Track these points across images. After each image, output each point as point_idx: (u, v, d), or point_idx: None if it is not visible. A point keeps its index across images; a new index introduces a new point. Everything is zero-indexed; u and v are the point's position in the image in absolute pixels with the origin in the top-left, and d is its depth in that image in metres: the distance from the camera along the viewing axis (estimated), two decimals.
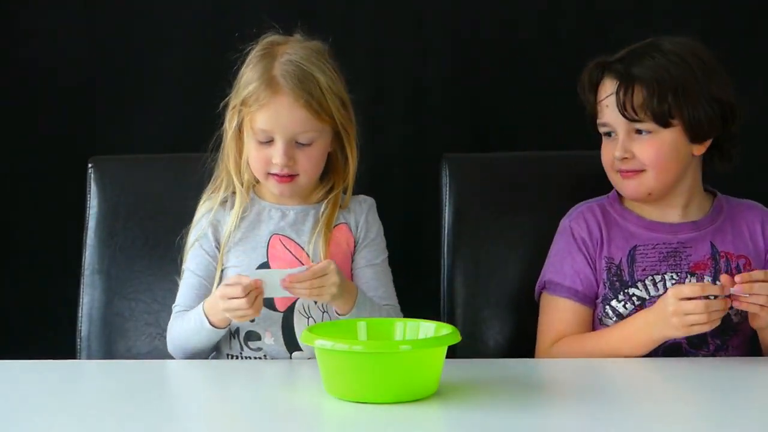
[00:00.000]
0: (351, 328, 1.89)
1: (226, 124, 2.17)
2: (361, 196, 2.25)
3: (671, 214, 2.22)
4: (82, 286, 2.41)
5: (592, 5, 2.89)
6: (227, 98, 2.19)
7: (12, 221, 2.95)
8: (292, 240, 2.17)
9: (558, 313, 2.22)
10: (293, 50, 2.13)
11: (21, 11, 2.92)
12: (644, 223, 2.22)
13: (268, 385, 1.94)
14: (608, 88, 2.17)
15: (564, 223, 2.26)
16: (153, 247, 2.34)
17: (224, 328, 2.09)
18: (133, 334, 2.33)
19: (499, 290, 2.37)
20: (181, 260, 2.22)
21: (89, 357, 2.38)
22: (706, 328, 2.01)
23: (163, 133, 2.86)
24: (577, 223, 2.24)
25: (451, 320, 2.36)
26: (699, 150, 2.18)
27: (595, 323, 2.22)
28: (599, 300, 2.20)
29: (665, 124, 2.13)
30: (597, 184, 2.27)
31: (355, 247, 2.20)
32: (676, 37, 2.19)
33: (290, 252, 2.16)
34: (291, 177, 2.12)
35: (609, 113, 2.18)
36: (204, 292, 2.15)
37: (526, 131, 2.85)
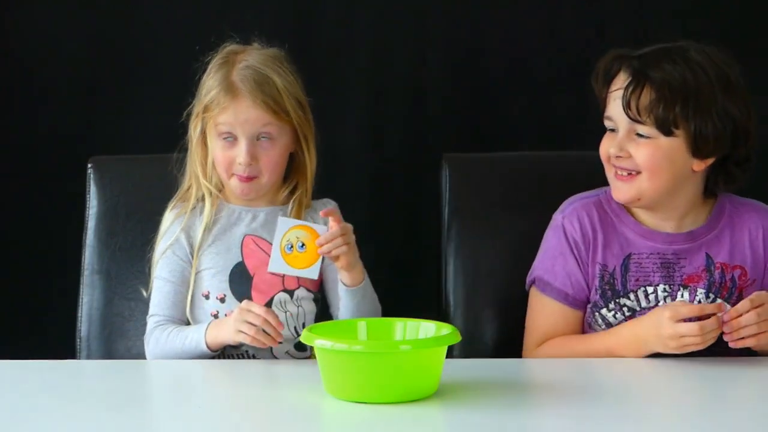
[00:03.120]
0: (351, 328, 1.89)
1: (191, 132, 2.25)
2: (325, 199, 2.30)
3: (667, 224, 2.16)
4: (81, 286, 2.41)
5: (592, 5, 2.89)
6: (190, 107, 2.25)
7: (12, 221, 2.95)
8: (265, 240, 2.22)
9: (546, 313, 2.19)
10: (251, 57, 2.22)
11: (21, 11, 2.92)
12: (641, 230, 2.16)
13: (268, 385, 1.94)
14: (619, 82, 2.11)
15: (557, 219, 2.21)
16: (153, 247, 2.33)
17: (217, 351, 2.14)
18: (133, 334, 2.33)
19: (499, 290, 2.36)
20: (149, 271, 2.26)
21: (89, 357, 2.38)
22: (701, 347, 1.99)
23: (163, 133, 2.85)
24: (570, 222, 2.19)
25: (451, 320, 2.36)
26: (699, 166, 2.10)
27: (584, 327, 2.20)
28: (590, 305, 2.18)
29: (667, 132, 2.07)
30: (596, 184, 2.27)
31: None
32: (706, 46, 2.11)
33: (264, 251, 2.20)
34: (251, 178, 2.20)
35: (614, 108, 2.11)
36: (180, 299, 2.20)
37: (525, 131, 2.85)
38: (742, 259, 2.14)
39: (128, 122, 2.89)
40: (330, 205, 2.28)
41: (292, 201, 2.25)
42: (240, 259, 2.21)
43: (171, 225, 2.24)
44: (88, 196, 2.44)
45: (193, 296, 2.20)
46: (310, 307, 2.21)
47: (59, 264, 2.78)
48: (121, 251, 2.40)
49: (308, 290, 2.21)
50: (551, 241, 2.22)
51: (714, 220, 2.17)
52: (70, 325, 2.42)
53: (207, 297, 2.19)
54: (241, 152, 2.17)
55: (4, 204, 2.94)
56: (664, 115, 2.05)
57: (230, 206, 2.25)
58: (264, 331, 2.03)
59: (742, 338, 1.99)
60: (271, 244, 2.17)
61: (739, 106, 2.07)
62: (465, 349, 2.27)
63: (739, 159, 2.12)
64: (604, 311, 2.15)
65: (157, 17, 2.92)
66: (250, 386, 1.93)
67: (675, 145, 2.07)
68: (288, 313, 2.19)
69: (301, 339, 1.80)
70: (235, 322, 2.04)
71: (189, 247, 2.22)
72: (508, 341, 2.33)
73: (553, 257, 2.20)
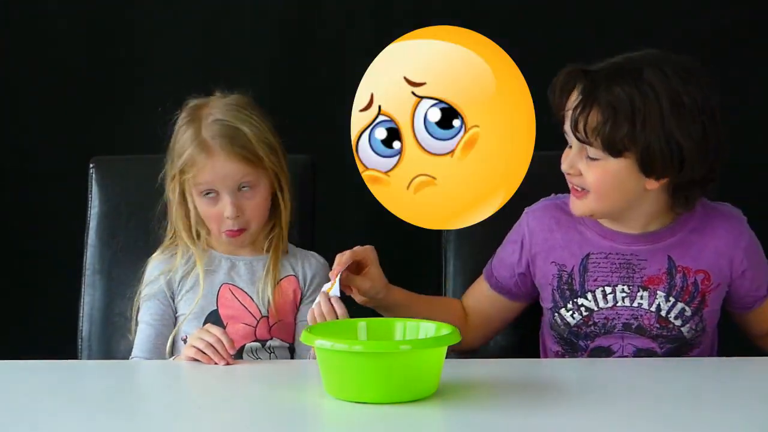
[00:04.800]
0: (351, 328, 1.89)
1: (169, 194, 2.26)
2: (314, 254, 2.32)
3: (629, 227, 2.13)
4: (83, 286, 2.42)
5: (593, 6, 2.90)
6: (164, 169, 2.26)
7: (13, 221, 2.95)
8: (242, 290, 2.24)
9: (476, 284, 2.27)
10: (216, 109, 2.22)
11: (21, 11, 2.92)
12: (601, 229, 2.14)
13: (268, 385, 1.94)
14: (571, 101, 2.06)
15: (524, 213, 2.23)
16: (154, 247, 2.33)
17: None
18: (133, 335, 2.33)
19: None
20: (130, 314, 2.28)
21: (90, 357, 2.39)
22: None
23: (164, 133, 2.86)
24: (532, 219, 2.20)
25: None
26: (652, 185, 2.05)
27: (545, 328, 2.22)
28: (549, 307, 2.18)
29: (615, 154, 2.02)
30: None
31: (301, 299, 2.27)
32: (670, 64, 2.02)
33: (239, 300, 2.24)
34: (241, 231, 2.22)
35: (567, 125, 2.08)
36: (160, 341, 2.23)
37: None
38: (707, 263, 2.12)
39: (128, 122, 2.89)
40: (319, 261, 2.30)
41: (269, 254, 2.26)
42: (214, 308, 2.23)
43: (154, 271, 2.26)
44: (89, 196, 2.44)
45: (174, 340, 2.23)
46: (283, 354, 2.23)
47: (60, 264, 2.78)
48: (122, 252, 2.40)
49: (282, 341, 2.24)
50: (511, 232, 2.24)
51: (681, 224, 2.13)
52: (70, 325, 2.42)
53: (185, 341, 2.20)
54: (226, 207, 2.19)
55: (5, 204, 2.94)
56: (611, 137, 2.00)
57: (212, 252, 2.27)
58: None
59: None
60: (247, 293, 2.23)
61: (691, 130, 2.00)
62: None
63: (696, 181, 2.06)
64: (562, 311, 2.16)
65: (157, 17, 2.92)
66: (250, 386, 1.93)
67: (623, 166, 2.03)
68: (259, 359, 2.21)
69: (301, 339, 1.80)
70: (190, 339, 2.06)
71: (169, 291, 2.25)
72: (509, 341, 2.33)
73: (504, 245, 2.24)
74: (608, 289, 2.13)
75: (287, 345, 2.24)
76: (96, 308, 2.41)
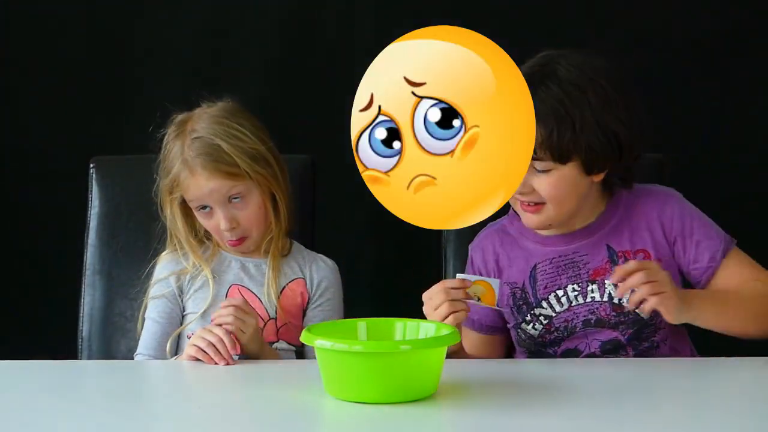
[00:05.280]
0: (351, 328, 1.89)
1: (165, 207, 2.27)
2: (323, 257, 2.33)
3: (573, 225, 2.17)
4: (83, 286, 2.42)
5: (593, 6, 2.90)
6: (157, 182, 2.28)
7: (13, 221, 2.95)
8: (251, 291, 2.25)
9: (464, 337, 2.23)
10: (198, 125, 2.23)
11: (21, 11, 2.92)
12: (539, 238, 2.19)
13: (268, 385, 1.94)
14: None
15: (469, 251, 2.26)
16: (154, 247, 2.34)
17: None
18: (134, 335, 2.33)
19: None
20: (130, 314, 2.31)
21: (90, 357, 2.39)
22: (443, 313, 1.98)
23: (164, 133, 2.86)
24: (476, 252, 2.24)
25: None
26: (598, 177, 2.12)
27: (516, 347, 2.24)
28: (511, 325, 2.21)
29: (564, 161, 2.06)
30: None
31: (308, 303, 2.28)
32: (573, 57, 2.09)
33: (248, 302, 2.22)
34: (241, 239, 2.24)
35: None
36: (166, 339, 2.24)
37: None
38: (643, 242, 2.16)
39: (129, 122, 2.89)
40: (327, 265, 2.31)
41: (269, 256, 2.27)
42: None
43: (164, 270, 2.27)
44: (90, 196, 2.44)
45: (180, 336, 2.24)
46: (290, 357, 2.24)
47: (60, 264, 2.79)
48: (122, 252, 2.40)
49: (289, 344, 2.25)
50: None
51: (610, 212, 2.17)
52: (70, 325, 2.43)
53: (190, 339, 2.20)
54: (219, 220, 2.21)
55: (6, 204, 2.94)
56: (559, 146, 2.05)
57: (222, 253, 2.29)
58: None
59: (643, 300, 1.98)
60: (255, 294, 2.24)
61: (619, 115, 2.07)
62: None
63: (626, 165, 2.12)
64: (524, 325, 2.19)
65: (158, 17, 2.92)
66: (250, 386, 1.93)
67: (572, 169, 2.08)
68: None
69: (301, 339, 1.80)
70: (192, 338, 2.07)
71: (178, 290, 2.26)
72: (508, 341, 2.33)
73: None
74: (560, 293, 2.16)
75: (294, 348, 2.25)
76: (96, 308, 2.41)
